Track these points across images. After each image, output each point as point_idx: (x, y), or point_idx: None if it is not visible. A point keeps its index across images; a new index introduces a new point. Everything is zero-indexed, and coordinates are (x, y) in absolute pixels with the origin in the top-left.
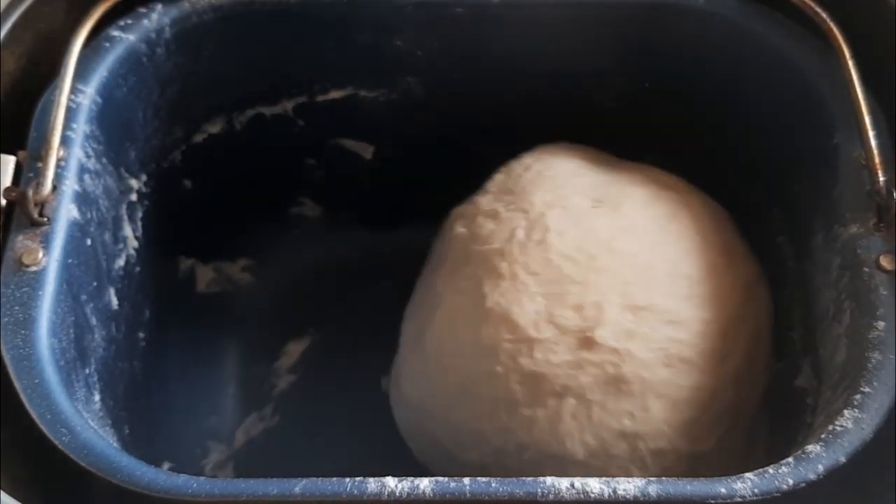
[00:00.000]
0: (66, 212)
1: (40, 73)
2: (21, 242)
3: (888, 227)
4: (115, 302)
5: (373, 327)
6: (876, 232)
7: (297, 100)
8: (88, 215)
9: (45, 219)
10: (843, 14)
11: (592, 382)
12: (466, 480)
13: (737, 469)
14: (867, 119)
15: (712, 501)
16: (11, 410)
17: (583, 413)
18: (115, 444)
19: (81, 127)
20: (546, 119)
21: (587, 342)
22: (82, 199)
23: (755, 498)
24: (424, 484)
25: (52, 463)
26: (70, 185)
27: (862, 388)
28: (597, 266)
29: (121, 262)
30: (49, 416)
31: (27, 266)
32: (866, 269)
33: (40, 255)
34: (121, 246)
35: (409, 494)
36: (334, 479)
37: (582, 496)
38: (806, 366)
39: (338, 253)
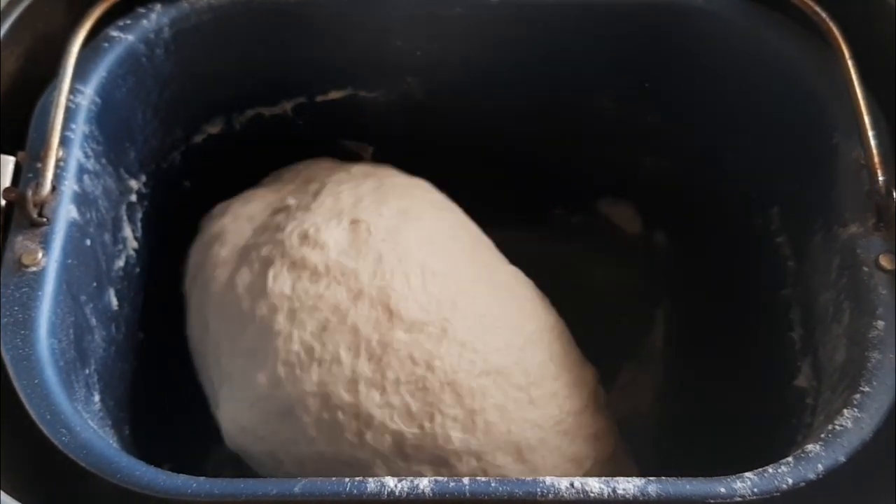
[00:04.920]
0: (66, 212)
1: (40, 73)
2: (21, 243)
3: (887, 226)
4: (114, 302)
5: None
6: (875, 232)
7: (297, 100)
8: (88, 216)
9: (45, 219)
10: (843, 14)
11: None
12: (466, 480)
13: None
14: (866, 119)
15: (712, 501)
16: (11, 411)
17: None
18: (114, 445)
19: (81, 127)
20: (546, 119)
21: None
22: (82, 199)
23: (755, 497)
24: (424, 484)
25: (52, 463)
26: (69, 186)
27: (861, 388)
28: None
29: (120, 262)
30: (49, 417)
31: (27, 266)
32: (865, 269)
33: (40, 255)
34: (120, 246)
35: (408, 494)
36: (334, 479)
37: (581, 495)
38: (805, 366)
39: None
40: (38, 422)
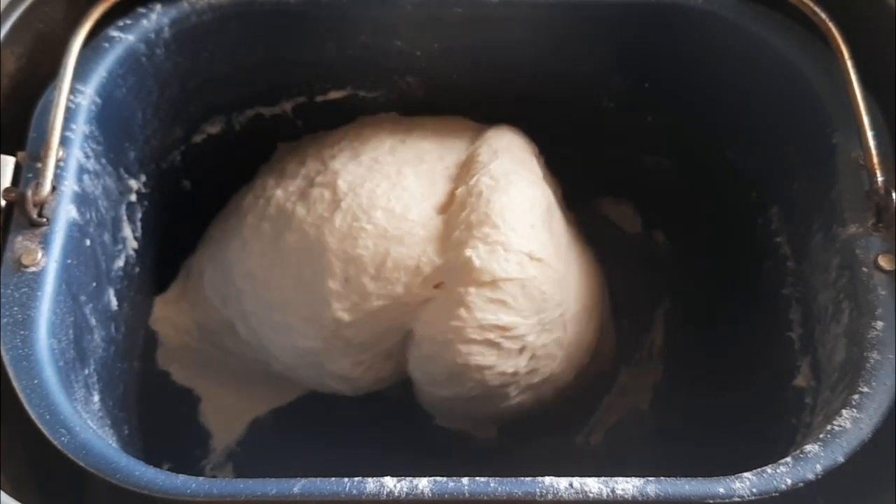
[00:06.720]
0: (66, 212)
1: (40, 73)
2: (20, 243)
3: (887, 226)
4: (114, 302)
5: None
6: (874, 232)
7: (297, 100)
8: (88, 216)
9: (45, 219)
10: (842, 14)
11: None
12: (465, 480)
13: None
14: (866, 119)
15: (710, 501)
16: (11, 411)
17: None
18: (114, 445)
19: (81, 127)
20: (546, 119)
21: None
22: (81, 199)
23: (753, 497)
24: (423, 484)
25: (52, 463)
26: (69, 186)
27: (860, 388)
28: None
29: (120, 262)
30: (48, 417)
31: (26, 267)
32: (865, 269)
33: (39, 255)
34: (120, 246)
35: (407, 494)
36: (333, 479)
37: (580, 496)
38: (805, 366)
39: None
40: (37, 422)
